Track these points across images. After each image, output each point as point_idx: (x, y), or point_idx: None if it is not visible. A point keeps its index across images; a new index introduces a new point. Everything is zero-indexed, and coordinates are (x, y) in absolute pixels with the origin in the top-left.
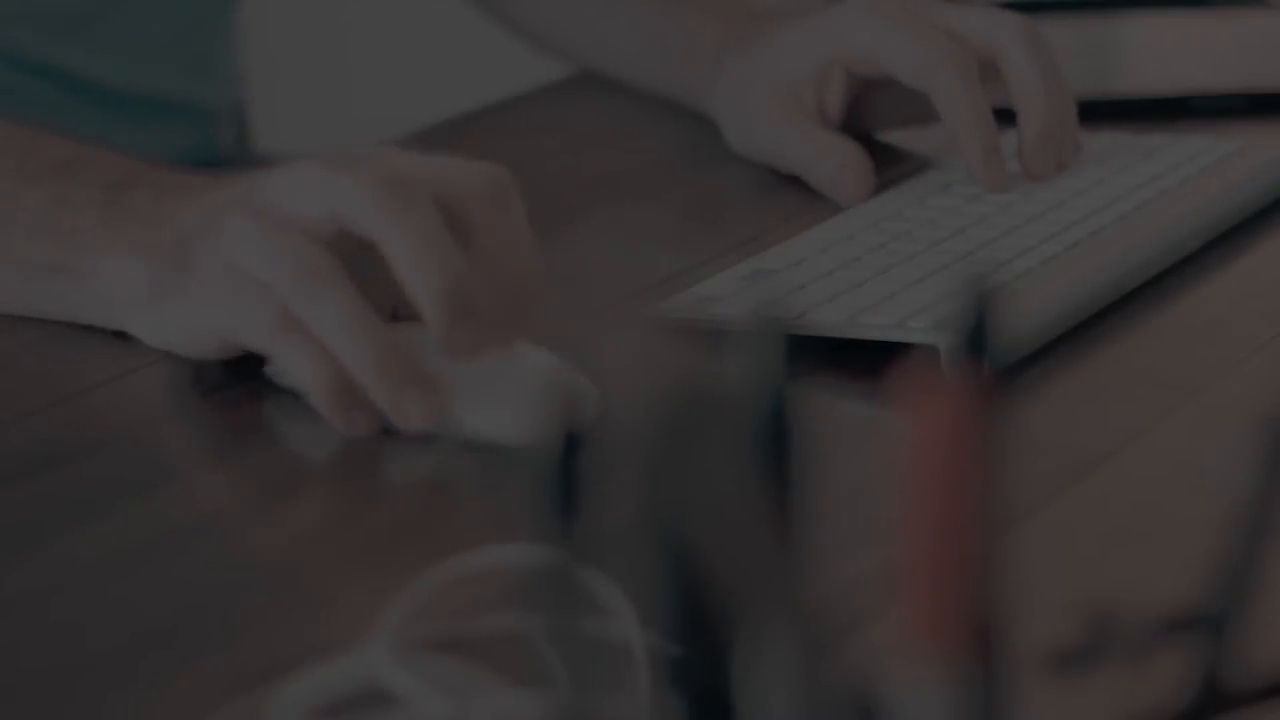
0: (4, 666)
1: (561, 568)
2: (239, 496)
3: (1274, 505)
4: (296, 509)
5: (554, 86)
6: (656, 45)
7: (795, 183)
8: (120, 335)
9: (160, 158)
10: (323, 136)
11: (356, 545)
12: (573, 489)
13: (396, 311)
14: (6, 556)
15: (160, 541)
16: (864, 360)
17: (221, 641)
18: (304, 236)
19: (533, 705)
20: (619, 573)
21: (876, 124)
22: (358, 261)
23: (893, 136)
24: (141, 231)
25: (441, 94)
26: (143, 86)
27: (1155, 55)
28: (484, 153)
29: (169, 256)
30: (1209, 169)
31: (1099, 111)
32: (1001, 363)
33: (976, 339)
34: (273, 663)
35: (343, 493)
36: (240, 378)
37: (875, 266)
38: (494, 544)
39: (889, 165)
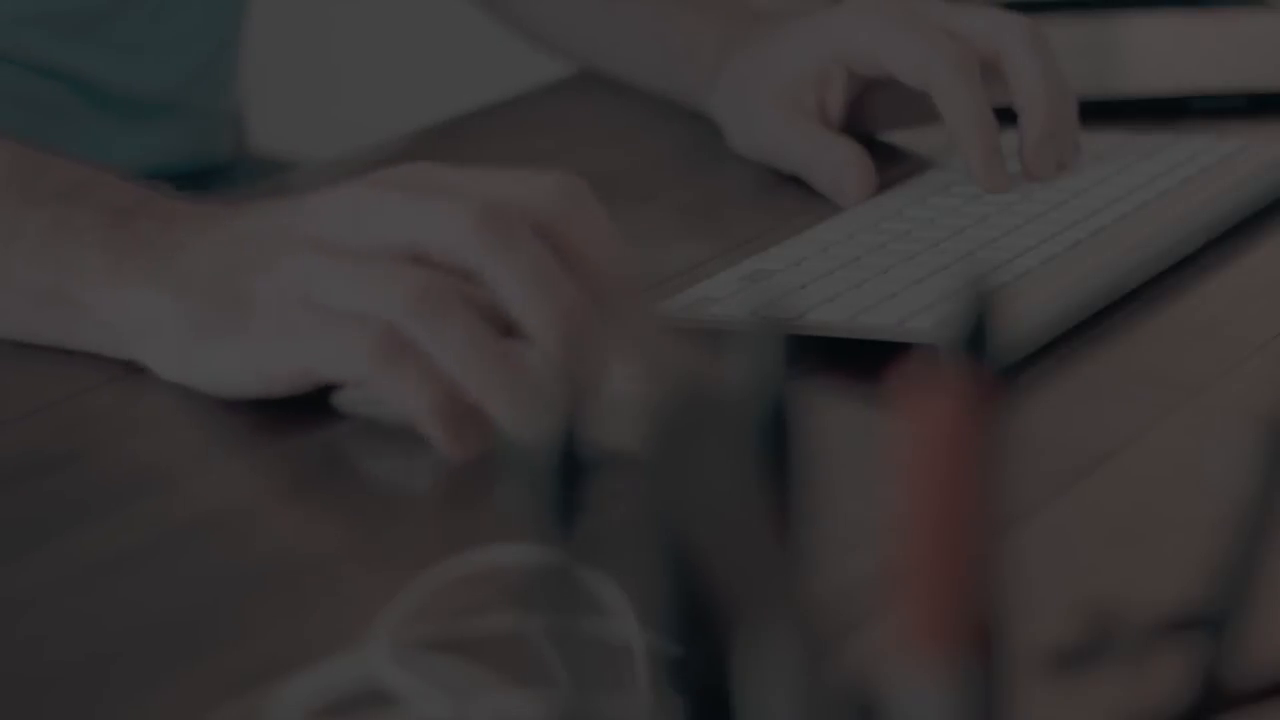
0: (3, 666)
1: (561, 568)
2: (239, 496)
3: (1274, 505)
4: (296, 509)
5: (554, 86)
6: (657, 44)
7: (795, 183)
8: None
9: (163, 159)
10: (321, 136)
11: (356, 545)
12: (572, 489)
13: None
14: (6, 557)
15: (160, 542)
16: (864, 360)
17: (221, 641)
18: (400, 261)
19: (533, 705)
20: (619, 573)
21: (877, 124)
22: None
23: (893, 136)
24: (153, 262)
25: (440, 94)
26: (150, 89)
27: (1155, 55)
28: (484, 153)
29: (210, 293)
30: (1209, 169)
31: (1099, 111)
32: (1001, 363)
33: (976, 339)
34: (273, 663)
35: (343, 493)
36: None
37: (875, 266)
38: (494, 544)
39: (889, 165)
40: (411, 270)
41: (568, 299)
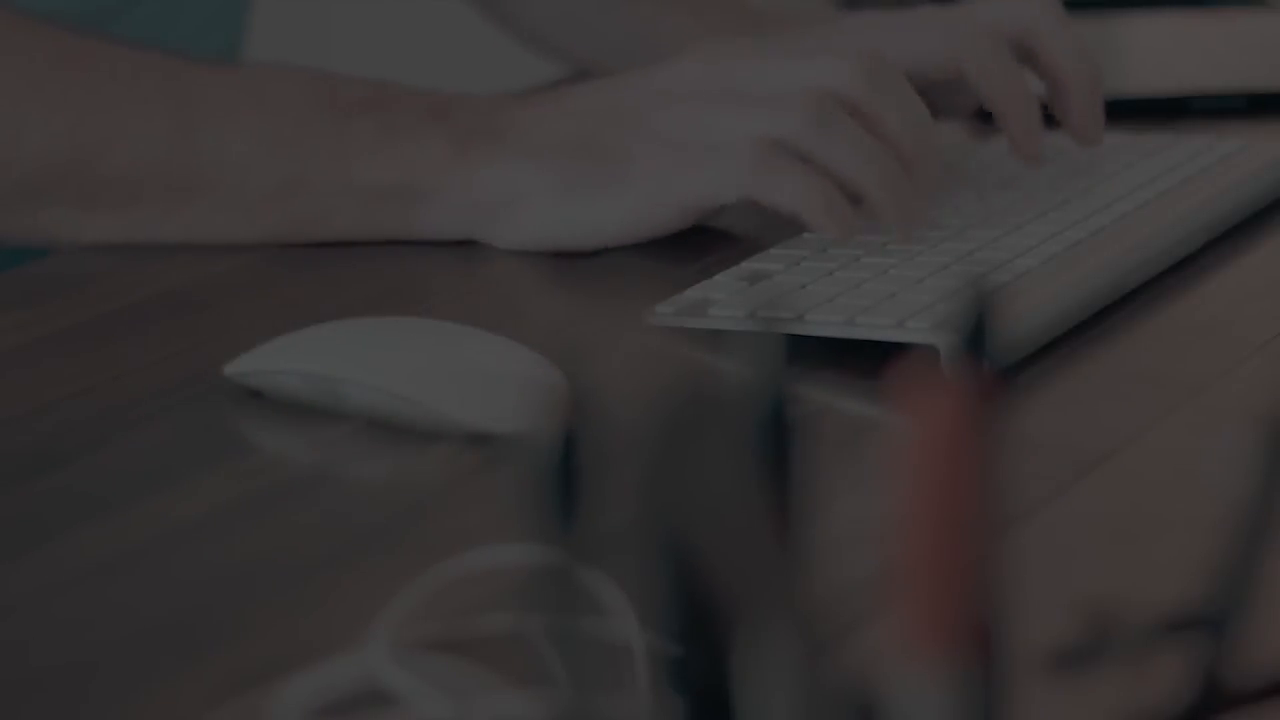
0: (3, 667)
1: (561, 568)
2: (238, 496)
3: (1274, 505)
4: (296, 509)
5: (554, 86)
6: (652, 46)
7: None
8: (106, 341)
9: None
10: None
11: (356, 545)
12: (572, 489)
13: None
14: (6, 556)
15: (160, 541)
16: (864, 360)
17: (221, 641)
18: (773, 97)
19: (533, 705)
20: (619, 573)
21: None
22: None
23: None
24: (494, 142)
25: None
26: None
27: (1155, 55)
28: None
29: (573, 155)
30: (1209, 169)
31: None
32: (1001, 363)
33: (976, 339)
34: (273, 663)
35: (342, 492)
36: (233, 383)
37: (875, 266)
38: (494, 544)
39: None
40: (789, 96)
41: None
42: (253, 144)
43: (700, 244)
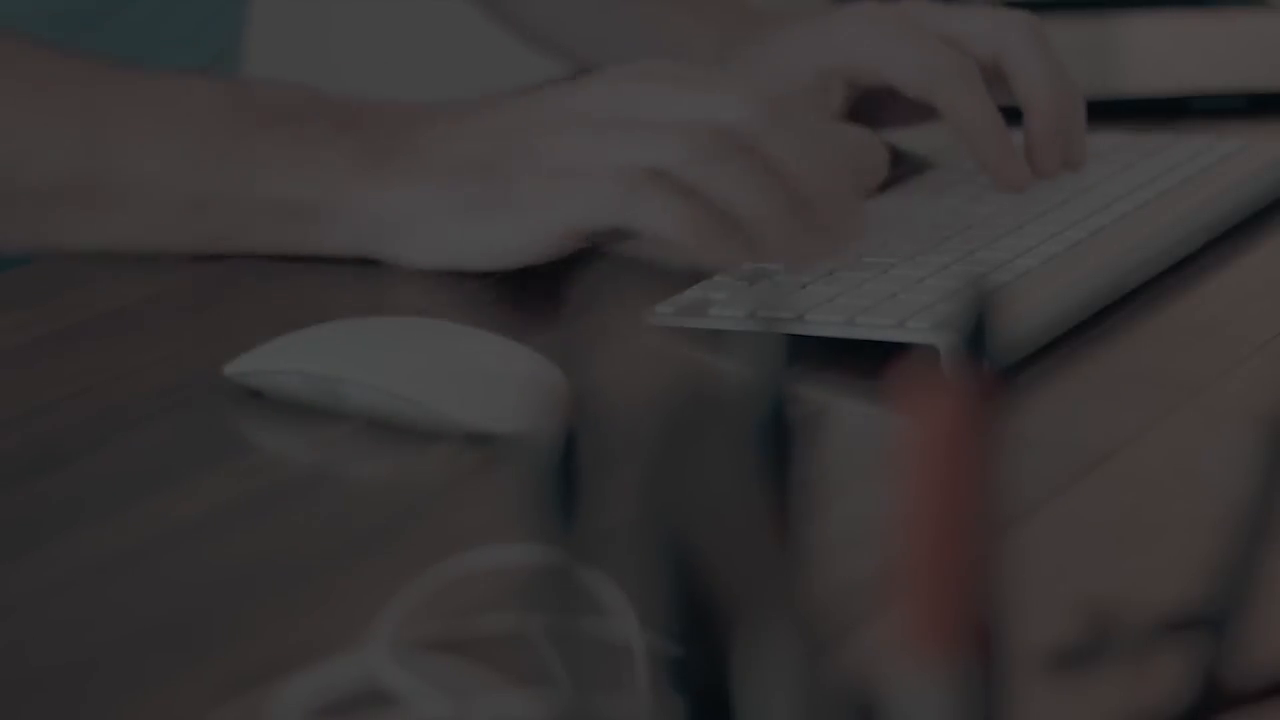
0: (3, 667)
1: (561, 568)
2: (239, 497)
3: (1274, 505)
4: (297, 509)
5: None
6: (654, 46)
7: None
8: (103, 344)
9: None
10: None
11: (356, 545)
12: (572, 488)
13: None
14: (6, 556)
15: (160, 541)
16: (864, 360)
17: (221, 641)
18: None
19: (533, 705)
20: (619, 573)
21: (876, 125)
22: None
23: (893, 136)
24: (398, 160)
25: (440, 94)
26: None
27: (1155, 55)
28: None
29: (469, 176)
30: (1209, 169)
31: (1099, 111)
32: (1001, 363)
33: (976, 339)
34: (273, 663)
35: (342, 492)
36: (233, 383)
37: (875, 266)
38: (494, 544)
39: (889, 165)
40: (679, 127)
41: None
42: (163, 159)
43: None
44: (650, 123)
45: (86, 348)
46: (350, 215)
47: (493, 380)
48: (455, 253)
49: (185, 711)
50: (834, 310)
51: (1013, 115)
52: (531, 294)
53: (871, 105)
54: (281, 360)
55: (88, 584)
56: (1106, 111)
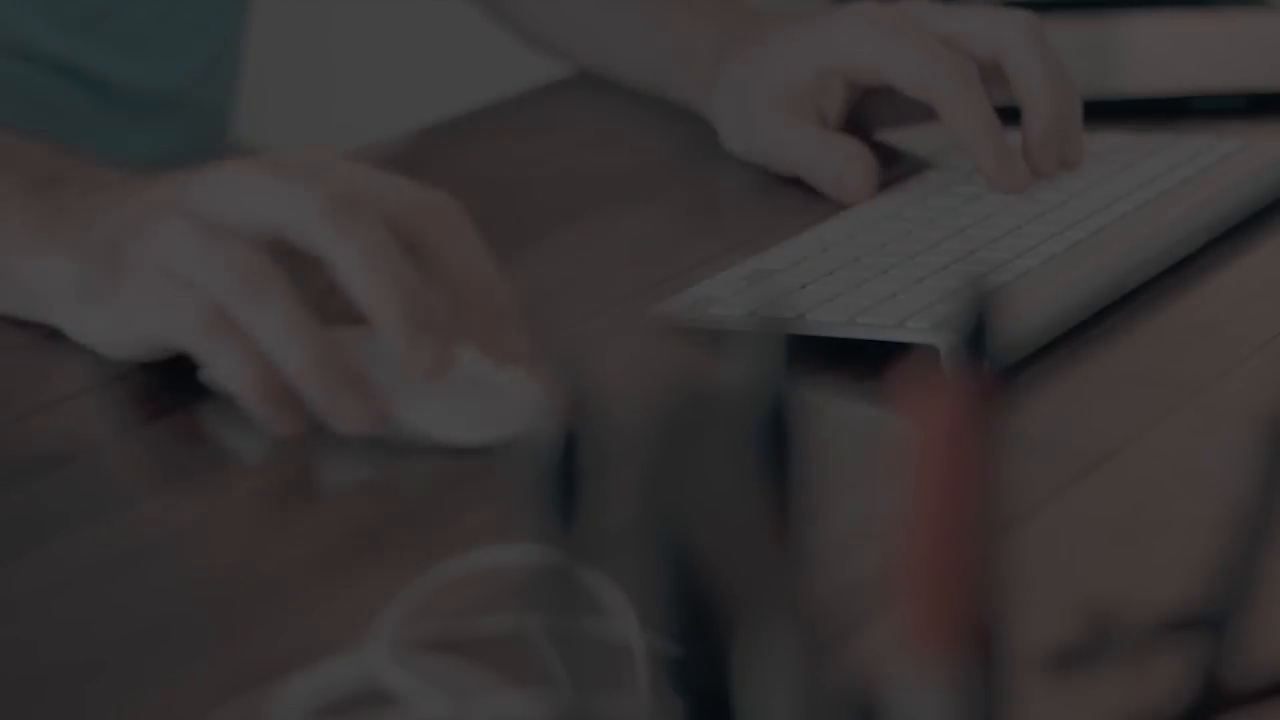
0: (4, 667)
1: (561, 568)
2: (239, 497)
3: (1274, 505)
4: (296, 509)
5: (554, 86)
6: (654, 46)
7: (795, 183)
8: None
9: (167, 156)
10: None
11: (356, 545)
12: (572, 489)
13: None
14: (6, 556)
15: (160, 542)
16: (864, 360)
17: (221, 642)
18: (243, 240)
19: (533, 705)
20: (619, 573)
21: (875, 124)
22: (295, 267)
23: (893, 136)
24: (70, 230)
25: (440, 94)
26: (155, 85)
27: (1155, 55)
28: (484, 153)
29: (98, 257)
30: (1209, 169)
31: (1099, 111)
32: (1001, 363)
33: (976, 339)
34: (273, 663)
35: (343, 494)
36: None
37: (875, 266)
38: (494, 544)
39: (889, 165)
40: (244, 248)
41: (408, 283)
42: None
43: (700, 243)
44: (219, 227)
45: (83, 348)
46: (13, 279)
47: (488, 393)
48: (80, 335)
49: (185, 711)
50: (834, 310)
51: (1011, 115)
52: (532, 293)
53: (870, 106)
54: None
55: (88, 584)
56: (1106, 111)
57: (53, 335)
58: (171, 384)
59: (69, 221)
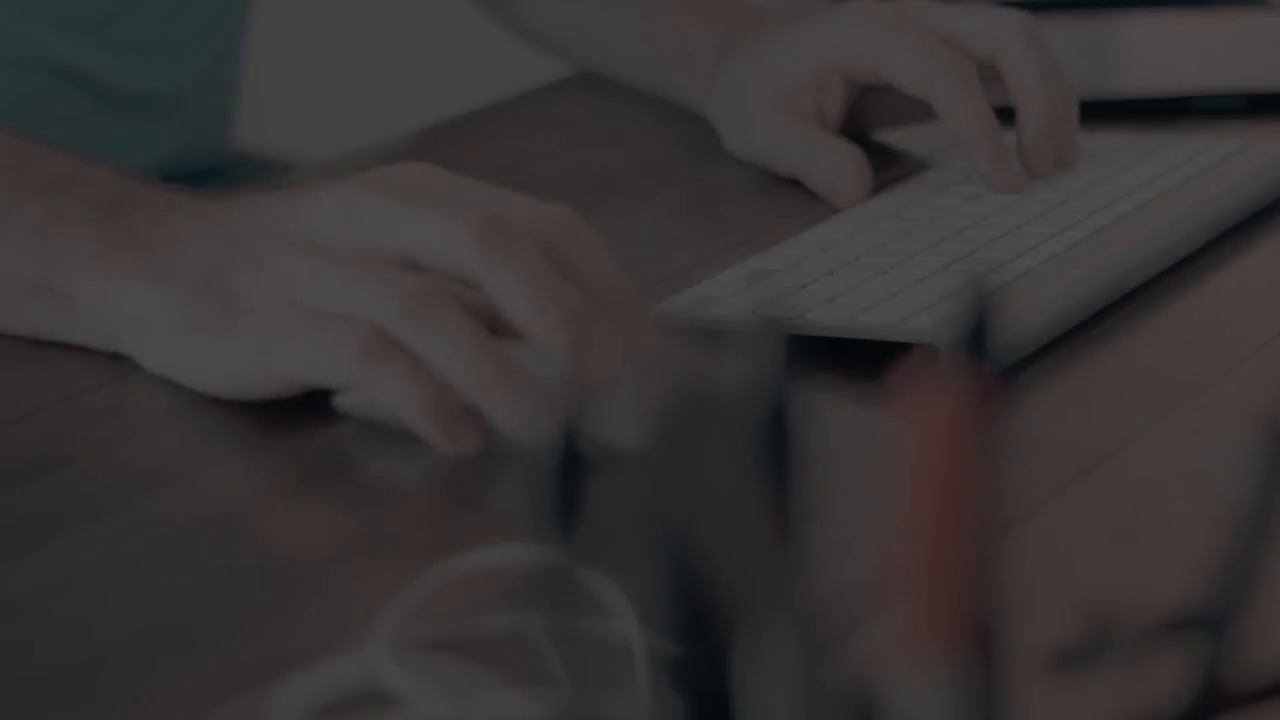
0: (4, 667)
1: (561, 568)
2: (238, 497)
3: (1274, 505)
4: (296, 509)
5: (554, 86)
6: (654, 46)
7: (795, 183)
8: (115, 356)
9: (170, 159)
10: (320, 136)
11: (356, 545)
12: (573, 488)
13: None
14: (5, 557)
15: (159, 542)
16: (864, 360)
17: (221, 641)
18: (389, 264)
19: (533, 705)
20: (619, 573)
21: (875, 124)
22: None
23: (892, 136)
24: (143, 255)
25: (440, 94)
26: (158, 88)
27: (1155, 55)
28: (484, 153)
29: (201, 289)
30: (1209, 169)
31: (1099, 111)
32: (1001, 363)
33: (976, 339)
34: (273, 663)
35: (342, 493)
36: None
37: (875, 266)
38: (494, 544)
39: (889, 165)
40: (403, 275)
41: (571, 302)
42: None
43: (700, 243)
44: (367, 258)
45: (83, 349)
46: (86, 305)
47: (626, 396)
48: (176, 370)
49: (185, 711)
50: (834, 310)
51: (1006, 115)
52: None
53: (869, 106)
54: None
55: (87, 584)
56: (1106, 111)
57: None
58: (172, 384)
59: (140, 247)
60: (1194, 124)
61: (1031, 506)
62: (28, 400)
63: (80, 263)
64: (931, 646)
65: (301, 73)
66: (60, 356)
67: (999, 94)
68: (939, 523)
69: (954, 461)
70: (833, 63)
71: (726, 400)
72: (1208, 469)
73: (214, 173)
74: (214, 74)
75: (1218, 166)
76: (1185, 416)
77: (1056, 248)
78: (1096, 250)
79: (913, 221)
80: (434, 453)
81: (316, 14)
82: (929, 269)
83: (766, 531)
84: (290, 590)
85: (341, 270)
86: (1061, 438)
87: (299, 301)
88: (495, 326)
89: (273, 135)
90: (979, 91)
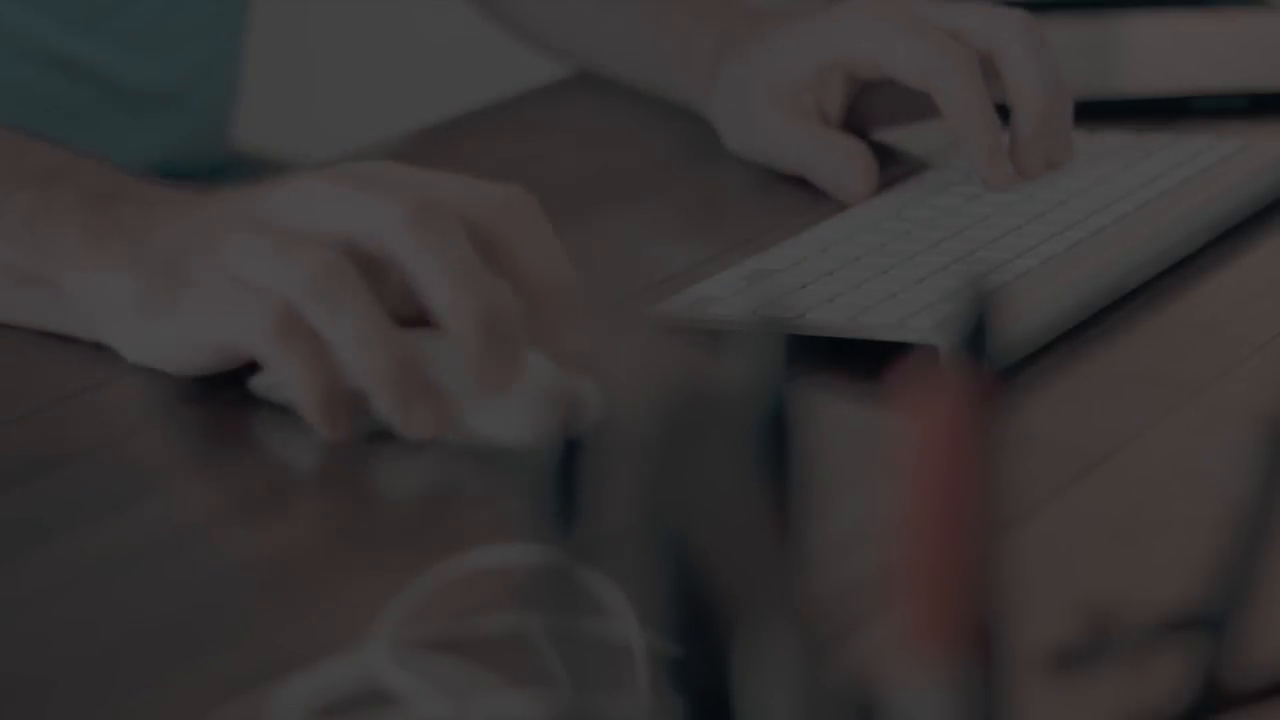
0: (4, 667)
1: (561, 568)
2: (239, 497)
3: (1274, 505)
4: (297, 509)
5: (554, 86)
6: (653, 46)
7: (795, 183)
8: (100, 346)
9: (169, 154)
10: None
11: (356, 545)
12: (573, 489)
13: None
14: (5, 557)
15: (160, 542)
16: (864, 360)
17: (221, 641)
18: (316, 244)
19: (533, 705)
20: (619, 573)
21: (875, 123)
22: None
23: (893, 136)
24: (126, 246)
25: (441, 94)
26: (157, 83)
27: (1155, 55)
28: (484, 153)
29: (159, 271)
30: (1209, 169)
31: (1099, 111)
32: (1001, 363)
33: (976, 339)
34: (273, 663)
35: (343, 493)
36: (235, 382)
37: (875, 266)
38: (494, 544)
39: (889, 165)
40: (316, 250)
41: (489, 295)
42: None
43: (700, 243)
44: (295, 235)
45: (87, 347)
46: (70, 294)
47: (549, 396)
48: (140, 352)
49: (185, 711)
50: (834, 310)
51: (1002, 112)
52: None
53: (869, 104)
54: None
55: (88, 584)
56: (1106, 111)
57: (52, 335)
58: (172, 384)
59: (124, 238)
60: (1194, 124)
61: (1031, 506)
62: (27, 400)
63: (68, 253)
64: (931, 646)
65: (301, 73)
66: (60, 357)
67: (996, 92)
68: (939, 523)
69: (954, 461)
70: (833, 59)
71: (726, 400)
72: (1208, 469)
73: (213, 173)
74: (213, 69)
75: (1218, 166)
76: (1185, 416)
77: (1056, 248)
78: (1096, 250)
79: (913, 221)
80: (435, 452)
81: (316, 14)
82: (929, 269)
83: (766, 531)
84: (290, 590)
85: (272, 244)
86: (1061, 438)
87: (234, 274)
88: (425, 320)
89: (272, 135)
90: (981, 85)
